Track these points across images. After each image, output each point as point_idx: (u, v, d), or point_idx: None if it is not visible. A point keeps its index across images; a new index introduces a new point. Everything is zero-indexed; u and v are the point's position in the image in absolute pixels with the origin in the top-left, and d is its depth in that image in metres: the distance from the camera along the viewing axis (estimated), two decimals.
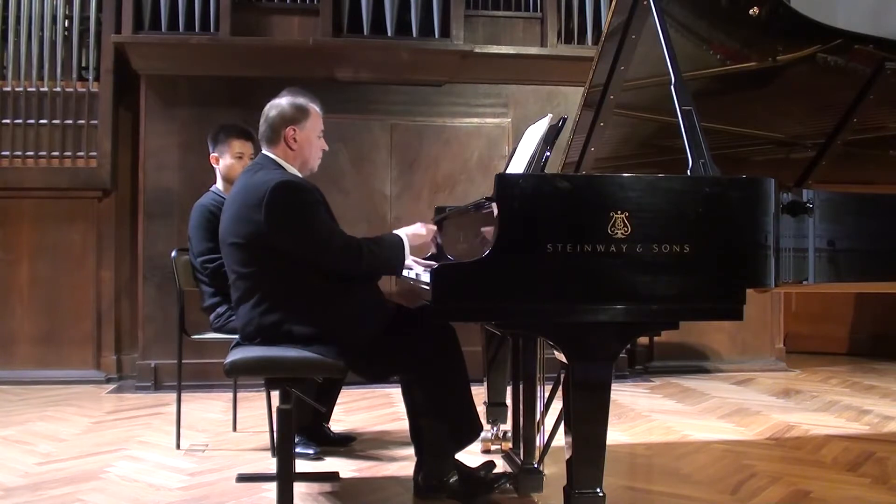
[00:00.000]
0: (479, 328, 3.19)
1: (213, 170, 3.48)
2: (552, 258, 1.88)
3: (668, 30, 2.29)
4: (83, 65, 4.89)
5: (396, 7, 4.76)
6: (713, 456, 3.19)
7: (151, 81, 4.77)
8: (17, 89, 4.78)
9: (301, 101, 2.57)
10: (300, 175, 2.56)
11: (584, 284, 1.90)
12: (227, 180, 3.35)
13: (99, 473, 2.91)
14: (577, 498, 1.93)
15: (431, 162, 4.98)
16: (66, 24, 4.87)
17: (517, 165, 2.58)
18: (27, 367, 4.79)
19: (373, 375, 2.66)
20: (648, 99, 2.75)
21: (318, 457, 3.11)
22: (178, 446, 3.27)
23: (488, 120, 5.05)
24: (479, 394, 2.83)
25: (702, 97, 2.45)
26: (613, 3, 2.57)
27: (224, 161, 3.40)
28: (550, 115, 2.47)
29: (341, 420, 3.74)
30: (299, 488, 2.56)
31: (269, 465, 2.97)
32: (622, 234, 1.90)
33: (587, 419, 1.96)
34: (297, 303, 2.38)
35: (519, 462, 2.65)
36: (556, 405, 2.16)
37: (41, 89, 4.81)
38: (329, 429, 3.34)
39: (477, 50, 4.84)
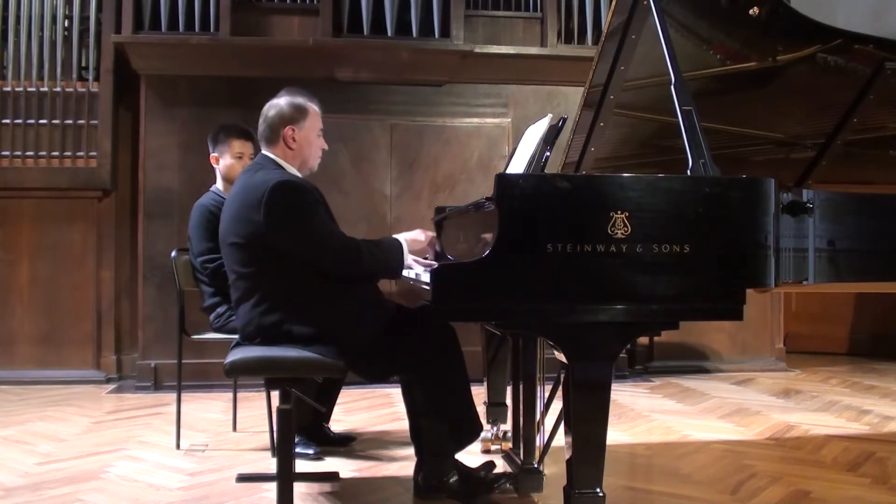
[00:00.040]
0: (479, 328, 3.19)
1: (213, 170, 3.48)
2: (552, 258, 1.88)
3: (668, 30, 2.29)
4: (83, 65, 4.89)
5: (396, 7, 4.76)
6: (713, 456, 3.19)
7: (151, 81, 4.77)
8: (17, 89, 4.78)
9: (299, 100, 2.57)
10: (300, 175, 2.56)
11: (584, 284, 1.90)
12: (227, 180, 3.35)
13: (99, 473, 2.91)
14: (577, 498, 1.93)
15: (431, 162, 4.98)
16: (66, 24, 4.87)
17: (517, 165, 2.58)
18: (27, 367, 4.79)
19: (373, 375, 2.66)
20: (648, 99, 2.75)
21: (318, 457, 3.11)
22: (178, 446, 3.27)
23: (488, 120, 5.05)
24: (479, 394, 2.83)
25: (702, 97, 2.45)
26: (613, 3, 2.57)
27: (224, 161, 3.40)
28: (550, 115, 2.47)
29: (341, 420, 3.74)
30: (299, 488, 2.56)
31: (269, 465, 2.97)
32: (622, 234, 1.90)
33: (587, 419, 1.96)
34: (297, 303, 2.38)
35: (519, 462, 2.65)
36: (556, 405, 2.16)
37: (41, 89, 4.81)
38: (329, 429, 3.34)
39: (477, 50, 4.84)
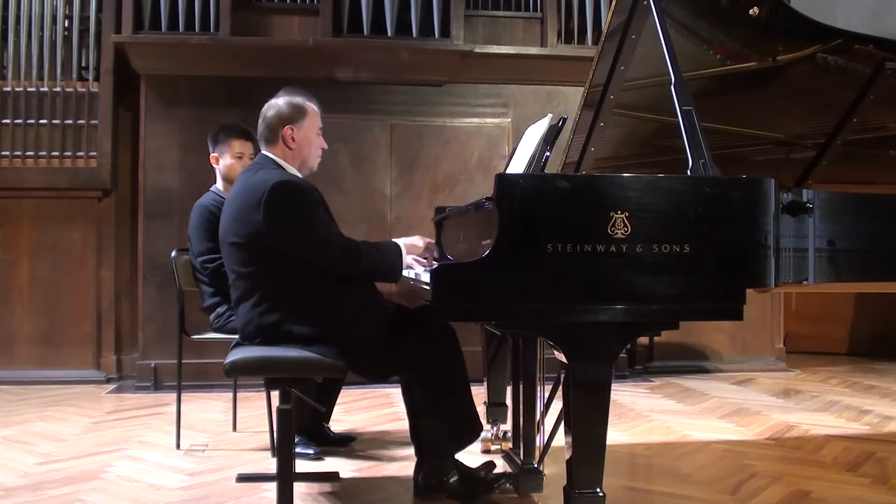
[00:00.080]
0: (479, 328, 3.19)
1: (213, 170, 3.48)
2: (552, 258, 1.88)
3: (668, 30, 2.29)
4: (83, 65, 4.89)
5: (396, 7, 4.76)
6: (713, 456, 3.19)
7: (151, 81, 4.77)
8: (17, 89, 4.78)
9: (298, 100, 2.57)
10: (300, 175, 2.56)
11: (584, 284, 1.90)
12: (227, 180, 3.35)
13: (99, 473, 2.91)
14: (577, 498, 1.93)
15: (431, 162, 4.98)
16: (66, 24, 4.87)
17: (517, 165, 2.58)
18: (27, 367, 4.79)
19: (373, 375, 2.66)
20: (648, 99, 2.75)
21: (318, 457, 3.11)
22: (178, 446, 3.27)
23: (488, 120, 5.05)
24: (479, 394, 2.83)
25: (702, 97, 2.45)
26: (613, 3, 2.57)
27: (224, 161, 3.40)
28: (550, 115, 2.47)
29: (341, 420, 3.74)
30: (299, 488, 2.56)
31: (269, 465, 2.97)
32: (622, 234, 1.90)
33: (587, 419, 1.96)
34: (297, 303, 2.38)
35: (519, 462, 2.65)
36: (556, 405, 2.16)
37: (41, 89, 4.81)
38: (329, 429, 3.34)
39: (477, 50, 4.84)
